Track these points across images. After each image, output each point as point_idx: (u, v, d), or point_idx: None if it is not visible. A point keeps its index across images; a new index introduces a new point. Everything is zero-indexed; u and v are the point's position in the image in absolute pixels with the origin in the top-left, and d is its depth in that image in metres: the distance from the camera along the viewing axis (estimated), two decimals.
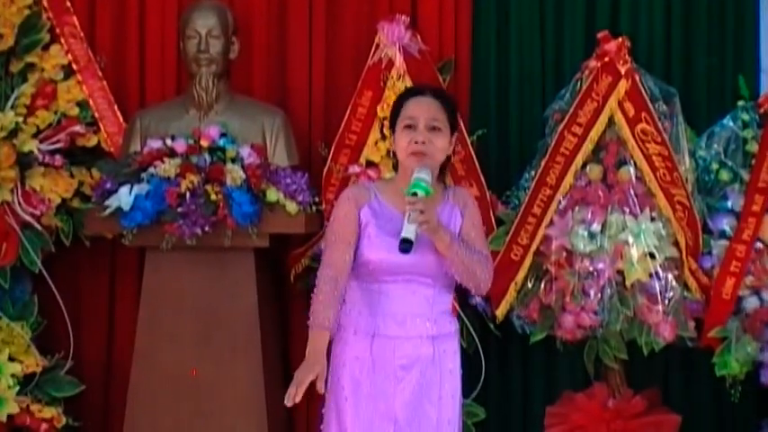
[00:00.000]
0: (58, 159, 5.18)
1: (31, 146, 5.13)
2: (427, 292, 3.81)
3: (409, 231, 3.61)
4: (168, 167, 4.88)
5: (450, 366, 3.87)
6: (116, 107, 5.36)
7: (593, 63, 5.06)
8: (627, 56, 5.01)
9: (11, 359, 5.14)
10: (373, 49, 5.21)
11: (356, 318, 3.83)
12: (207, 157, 4.93)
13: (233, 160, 4.92)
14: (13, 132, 5.13)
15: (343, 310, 3.84)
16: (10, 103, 5.20)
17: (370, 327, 3.81)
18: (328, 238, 3.85)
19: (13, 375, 5.11)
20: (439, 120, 3.80)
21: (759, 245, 5.02)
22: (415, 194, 3.65)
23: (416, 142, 3.76)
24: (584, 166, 5.02)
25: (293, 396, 3.65)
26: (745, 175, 5.08)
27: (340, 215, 3.82)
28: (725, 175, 5.10)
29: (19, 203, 5.14)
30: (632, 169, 4.98)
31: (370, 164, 5.17)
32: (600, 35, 5.09)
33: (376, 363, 3.80)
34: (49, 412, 5.14)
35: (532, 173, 5.10)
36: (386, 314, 3.79)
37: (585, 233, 4.92)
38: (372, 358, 3.80)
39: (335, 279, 3.74)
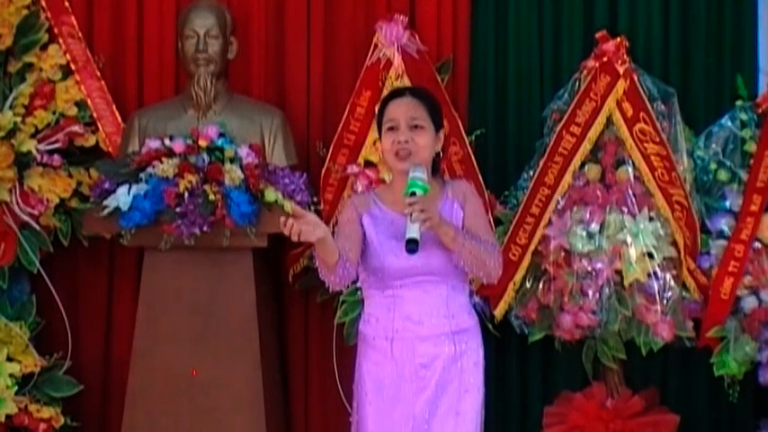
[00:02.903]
0: (57, 159, 5.18)
1: (30, 146, 5.13)
2: (440, 291, 3.83)
3: (413, 231, 3.62)
4: (166, 167, 4.87)
5: (474, 359, 3.89)
6: (114, 107, 5.36)
7: (591, 63, 5.06)
8: (625, 56, 5.01)
9: (9, 359, 5.14)
10: (372, 48, 5.21)
11: (374, 325, 3.87)
12: (205, 156, 4.93)
13: (231, 160, 4.92)
14: (12, 132, 5.14)
15: (362, 319, 3.93)
16: (8, 103, 5.21)
17: (388, 331, 3.83)
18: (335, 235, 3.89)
19: (11, 375, 5.10)
20: (419, 118, 3.84)
21: (757, 245, 5.02)
22: (413, 194, 3.66)
23: (399, 142, 3.80)
24: (582, 165, 5.02)
25: (287, 223, 3.59)
26: (744, 175, 5.08)
27: (343, 219, 3.90)
28: (723, 175, 5.10)
29: (17, 203, 5.14)
30: (630, 169, 4.98)
31: (368, 164, 5.17)
32: (598, 35, 5.09)
33: (397, 364, 3.83)
34: (47, 412, 5.14)
35: (531, 173, 5.11)
36: (402, 317, 3.82)
37: (584, 233, 4.92)
38: (394, 360, 3.83)
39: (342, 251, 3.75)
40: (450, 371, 3.83)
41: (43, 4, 5.35)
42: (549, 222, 4.99)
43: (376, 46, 5.21)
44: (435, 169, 3.92)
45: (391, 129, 3.84)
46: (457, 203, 3.86)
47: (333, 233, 3.82)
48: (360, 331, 3.93)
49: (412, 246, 3.61)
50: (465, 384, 3.84)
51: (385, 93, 5.07)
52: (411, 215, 3.63)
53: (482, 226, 3.87)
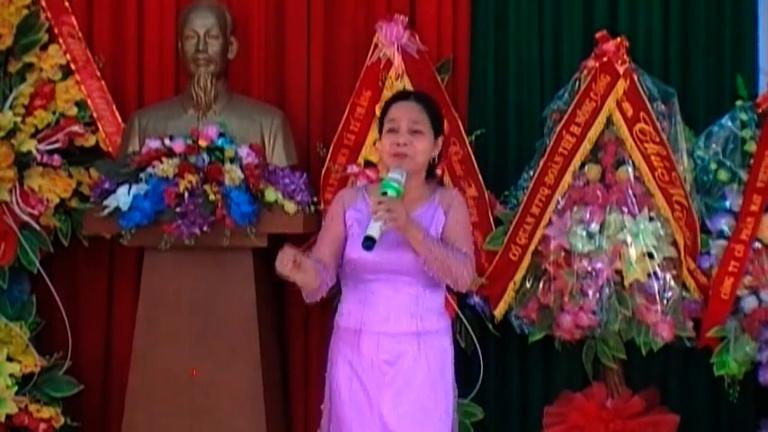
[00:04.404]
0: (57, 159, 5.18)
1: (30, 146, 5.13)
2: (410, 290, 3.93)
3: (373, 229, 3.74)
4: (167, 167, 4.87)
5: (440, 361, 3.96)
6: (114, 107, 5.36)
7: (591, 63, 5.06)
8: (625, 55, 5.01)
9: (9, 359, 5.14)
10: (372, 48, 5.22)
11: (347, 316, 3.99)
12: (205, 156, 4.93)
13: (231, 160, 4.92)
14: (12, 132, 5.14)
15: (338, 310, 4.06)
16: (8, 103, 5.21)
17: (357, 323, 3.95)
18: (320, 232, 4.11)
19: (11, 375, 5.11)
20: (420, 123, 3.93)
21: (757, 245, 5.02)
22: (384, 194, 3.77)
23: (398, 144, 3.89)
24: (582, 165, 5.02)
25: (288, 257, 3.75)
26: (744, 175, 5.08)
27: (329, 215, 4.05)
28: (723, 175, 5.10)
29: (17, 203, 5.14)
30: (631, 169, 4.98)
31: (368, 164, 5.17)
32: (598, 35, 5.09)
33: (363, 358, 3.93)
34: (47, 412, 5.14)
35: (531, 173, 5.11)
36: (371, 311, 3.93)
37: (584, 233, 4.92)
38: (360, 354, 3.94)
39: (317, 261, 3.92)
40: (415, 371, 3.92)
41: (43, 4, 5.36)
42: (550, 222, 4.99)
43: (376, 46, 5.21)
44: (429, 174, 4.00)
45: (392, 130, 3.93)
46: (441, 210, 3.96)
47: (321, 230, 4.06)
48: (335, 321, 4.05)
49: (367, 243, 3.73)
50: (431, 385, 3.93)
51: (385, 93, 5.11)
52: (376, 213, 3.74)
53: (460, 235, 3.95)
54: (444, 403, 3.95)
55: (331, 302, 5.09)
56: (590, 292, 4.89)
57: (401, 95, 4.09)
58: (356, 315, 3.95)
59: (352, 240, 3.92)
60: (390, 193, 3.79)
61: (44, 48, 5.32)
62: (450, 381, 4.00)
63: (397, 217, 3.75)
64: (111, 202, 4.89)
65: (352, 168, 5.14)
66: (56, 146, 5.19)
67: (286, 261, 3.72)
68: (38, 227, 5.18)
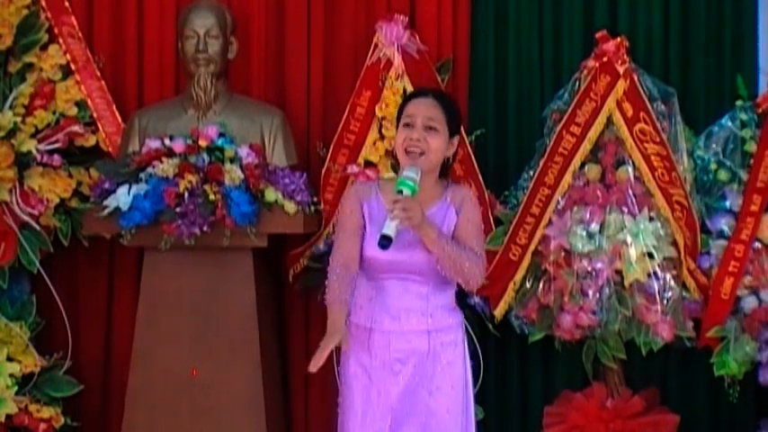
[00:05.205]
0: (57, 159, 5.18)
1: (30, 146, 5.13)
2: (421, 289, 3.93)
3: (389, 228, 3.74)
4: (167, 167, 4.87)
5: (450, 358, 3.97)
6: (114, 107, 5.36)
7: (591, 63, 5.06)
8: (625, 55, 5.01)
9: (9, 359, 5.14)
10: (372, 48, 5.22)
11: (358, 313, 3.97)
12: (205, 156, 4.93)
13: (231, 160, 4.92)
14: (12, 132, 5.14)
15: (351, 304, 4.01)
16: (8, 103, 5.21)
17: (368, 321, 3.95)
18: (337, 233, 4.05)
19: (11, 375, 5.11)
20: (436, 120, 3.92)
21: (757, 245, 5.02)
22: (400, 192, 3.78)
23: (411, 139, 3.89)
24: (582, 165, 5.02)
25: (316, 361, 3.78)
26: (744, 175, 5.08)
27: (346, 211, 4.00)
28: (723, 175, 5.10)
29: (17, 203, 5.14)
30: (631, 169, 4.98)
31: (368, 164, 5.18)
32: (598, 35, 5.09)
33: (373, 356, 3.94)
34: (47, 412, 5.14)
35: (531, 173, 5.11)
36: (382, 309, 3.93)
37: (584, 233, 4.92)
38: (370, 351, 3.94)
39: (346, 264, 3.91)
40: (424, 367, 3.93)
41: (43, 4, 5.36)
42: (550, 222, 4.99)
43: (376, 46, 5.21)
44: (443, 173, 4.00)
45: (407, 125, 3.93)
46: (453, 208, 3.96)
47: (337, 229, 4.03)
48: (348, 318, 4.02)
49: (384, 242, 3.73)
50: (437, 382, 3.94)
51: (385, 92, 5.11)
52: (392, 212, 3.74)
53: (471, 234, 3.95)
54: (453, 401, 3.93)
55: None
56: (590, 292, 4.89)
57: (420, 92, 4.08)
58: (367, 312, 3.95)
59: (365, 240, 3.92)
60: (406, 191, 3.78)
61: (44, 48, 5.32)
62: (459, 377, 3.98)
63: (413, 216, 3.75)
64: (111, 202, 4.89)
65: (352, 168, 5.14)
66: (56, 146, 5.19)
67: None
68: (38, 227, 5.18)
